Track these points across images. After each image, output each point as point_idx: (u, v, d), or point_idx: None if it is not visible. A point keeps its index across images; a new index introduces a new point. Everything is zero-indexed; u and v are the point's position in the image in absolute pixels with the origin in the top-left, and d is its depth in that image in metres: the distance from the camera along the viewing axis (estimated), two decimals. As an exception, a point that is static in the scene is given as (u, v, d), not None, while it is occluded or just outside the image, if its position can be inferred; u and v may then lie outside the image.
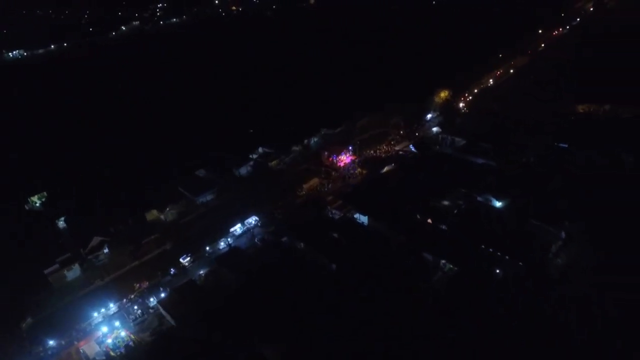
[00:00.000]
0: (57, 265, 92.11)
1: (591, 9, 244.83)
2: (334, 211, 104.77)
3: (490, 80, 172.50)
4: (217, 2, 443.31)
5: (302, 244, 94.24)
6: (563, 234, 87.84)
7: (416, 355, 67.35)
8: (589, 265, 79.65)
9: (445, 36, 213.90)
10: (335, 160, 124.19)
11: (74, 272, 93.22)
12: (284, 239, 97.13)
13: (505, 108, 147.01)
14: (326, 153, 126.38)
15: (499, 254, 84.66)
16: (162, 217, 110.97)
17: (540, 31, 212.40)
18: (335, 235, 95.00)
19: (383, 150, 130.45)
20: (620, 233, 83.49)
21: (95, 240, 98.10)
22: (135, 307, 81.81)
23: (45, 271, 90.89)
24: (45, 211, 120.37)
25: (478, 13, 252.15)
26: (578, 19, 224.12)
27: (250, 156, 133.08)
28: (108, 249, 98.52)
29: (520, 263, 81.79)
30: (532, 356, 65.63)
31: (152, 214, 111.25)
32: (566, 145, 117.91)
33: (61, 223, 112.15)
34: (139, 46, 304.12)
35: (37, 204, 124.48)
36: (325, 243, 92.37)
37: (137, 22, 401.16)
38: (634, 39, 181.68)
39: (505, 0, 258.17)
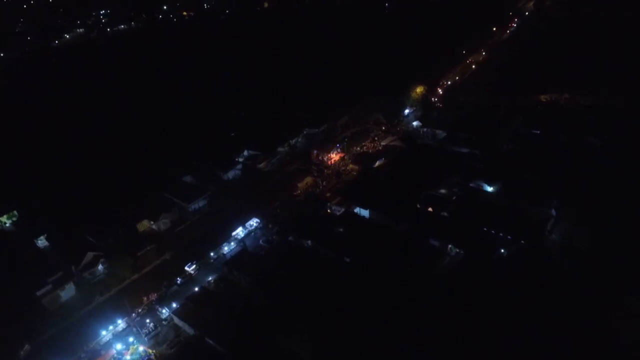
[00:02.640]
0: (49, 286, 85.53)
1: (527, 14, 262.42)
2: (334, 207, 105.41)
3: (457, 77, 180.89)
4: (165, 7, 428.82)
5: (309, 242, 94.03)
6: (554, 212, 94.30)
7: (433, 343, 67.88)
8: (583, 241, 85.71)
9: (409, 37, 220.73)
10: (325, 159, 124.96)
11: (68, 292, 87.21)
12: (290, 238, 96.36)
13: (474, 100, 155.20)
14: (315, 152, 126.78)
15: (500, 235, 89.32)
16: (154, 226, 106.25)
17: (494, 29, 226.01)
18: (340, 230, 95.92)
19: (369, 147, 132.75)
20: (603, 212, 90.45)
21: (89, 256, 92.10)
22: (148, 320, 77.74)
23: (38, 293, 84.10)
24: (19, 230, 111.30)
25: (434, 14, 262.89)
26: (517, 22, 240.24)
27: (237, 159, 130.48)
28: (102, 264, 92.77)
29: (522, 242, 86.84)
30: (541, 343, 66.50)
31: (144, 225, 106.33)
32: (539, 132, 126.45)
33: (41, 241, 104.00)
34: (86, 55, 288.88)
35: (7, 224, 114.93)
36: (333, 238, 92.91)
37: (81, 30, 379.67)
38: (572, 34, 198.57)
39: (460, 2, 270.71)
